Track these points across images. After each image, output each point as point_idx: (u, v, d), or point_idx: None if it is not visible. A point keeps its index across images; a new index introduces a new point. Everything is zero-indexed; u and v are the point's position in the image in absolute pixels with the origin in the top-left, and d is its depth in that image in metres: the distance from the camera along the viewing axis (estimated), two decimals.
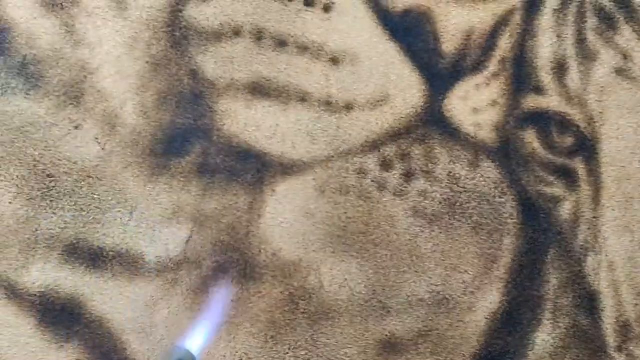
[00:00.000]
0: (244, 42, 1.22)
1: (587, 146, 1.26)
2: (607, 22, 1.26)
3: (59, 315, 1.19)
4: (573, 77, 1.25)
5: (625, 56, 1.26)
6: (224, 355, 1.20)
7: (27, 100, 1.21)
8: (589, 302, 1.24)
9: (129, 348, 1.19)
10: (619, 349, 1.24)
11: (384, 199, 1.23)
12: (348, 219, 1.22)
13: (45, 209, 1.20)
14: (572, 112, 1.26)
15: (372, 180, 1.23)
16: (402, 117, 1.23)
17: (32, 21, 1.20)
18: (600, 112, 1.26)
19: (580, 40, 1.26)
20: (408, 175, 1.23)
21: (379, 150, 1.23)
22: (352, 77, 1.23)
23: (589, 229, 1.25)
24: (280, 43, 1.22)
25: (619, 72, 1.26)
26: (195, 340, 0.90)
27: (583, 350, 1.23)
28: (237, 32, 1.22)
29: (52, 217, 1.20)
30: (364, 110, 1.23)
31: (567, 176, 1.25)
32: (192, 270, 1.21)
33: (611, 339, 1.24)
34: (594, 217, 1.25)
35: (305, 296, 1.22)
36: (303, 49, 1.22)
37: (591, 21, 1.26)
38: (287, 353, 1.21)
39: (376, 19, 1.24)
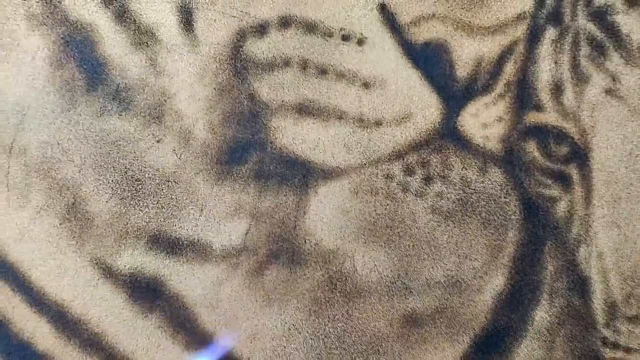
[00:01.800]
0: (292, 71, 1.46)
1: (580, 155, 1.45)
2: (598, 50, 1.45)
3: (144, 291, 1.46)
4: (568, 96, 1.45)
5: (614, 78, 1.45)
6: (276, 326, 1.44)
7: (120, 120, 1.48)
8: (581, 286, 1.43)
9: (200, 319, 1.45)
10: (607, 325, 1.43)
11: (407, 199, 1.45)
12: (377, 215, 1.45)
13: (134, 207, 1.47)
14: (567, 126, 1.45)
15: (397, 184, 1.45)
16: (422, 132, 1.45)
17: (124, 57, 1.47)
18: (592, 126, 1.45)
19: (575, 65, 1.45)
20: (427, 180, 1.45)
21: (403, 159, 1.45)
22: (381, 99, 1.46)
23: (581, 224, 1.44)
24: (322, 72, 1.46)
25: (609, 92, 1.44)
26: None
27: (576, 327, 1.43)
28: (286, 63, 1.46)
29: (139, 213, 1.47)
30: (391, 126, 1.46)
31: (563, 180, 1.45)
32: (250, 256, 1.46)
33: (600, 317, 1.43)
34: (586, 214, 1.44)
35: (342, 278, 1.45)
36: (340, 76, 1.46)
37: (584, 49, 1.46)
38: (327, 325, 1.45)
39: (401, 50, 1.46)
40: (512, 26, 1.44)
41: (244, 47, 1.45)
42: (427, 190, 1.43)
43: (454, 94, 1.44)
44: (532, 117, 1.44)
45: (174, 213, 1.44)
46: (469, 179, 1.43)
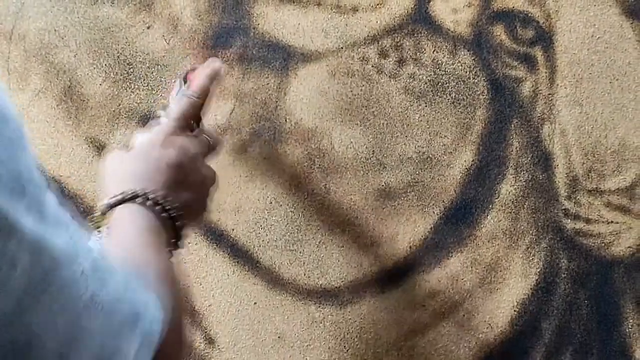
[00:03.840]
0: None
1: (545, 38, 1.53)
2: None
3: None
4: None
5: None
6: (259, 200, 1.54)
7: (112, 7, 1.57)
8: (544, 161, 1.51)
9: None
10: (569, 198, 1.51)
11: (382, 80, 1.54)
12: (353, 95, 1.54)
13: (125, 89, 1.56)
14: (533, 10, 1.52)
15: (372, 66, 1.54)
16: (396, 17, 1.54)
17: None
18: (556, 11, 1.52)
19: None
20: (401, 62, 1.53)
21: (378, 43, 1.53)
22: None
23: (545, 103, 1.52)
24: None
25: None
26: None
27: (539, 199, 1.52)
28: None
29: (131, 95, 1.56)
30: (367, 11, 1.54)
31: (529, 61, 1.52)
32: (234, 134, 1.55)
33: (562, 190, 1.51)
34: (549, 94, 1.52)
35: (320, 155, 1.54)
36: None
37: None
38: (306, 198, 1.54)
39: None
40: None
41: None
42: (401, 71, 1.51)
43: None
44: (500, 3, 1.51)
45: (163, 95, 1.54)
46: (439, 61, 1.51)
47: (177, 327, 0.78)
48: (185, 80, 1.00)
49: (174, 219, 0.85)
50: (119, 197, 0.84)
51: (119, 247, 0.79)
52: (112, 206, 0.84)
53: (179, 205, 0.87)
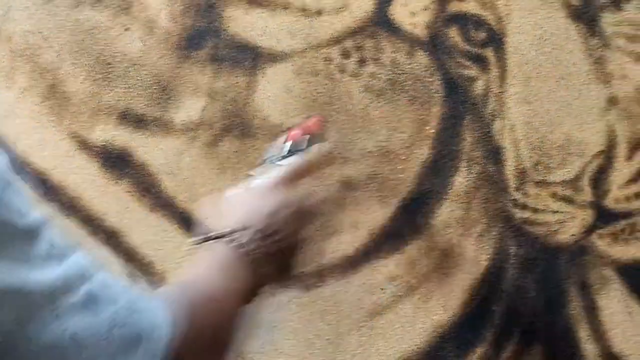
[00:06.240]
0: None
1: (496, 39, 1.60)
2: None
3: (115, 161, 1.63)
4: None
5: None
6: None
7: (93, 10, 1.67)
8: (495, 155, 1.57)
9: (163, 184, 1.62)
10: (518, 189, 1.59)
11: (344, 79, 1.62)
12: (317, 93, 1.61)
13: (105, 87, 1.66)
14: (485, 14, 1.60)
15: (335, 66, 1.62)
16: (358, 20, 1.61)
17: None
18: (507, 14, 1.60)
19: None
20: (362, 62, 1.62)
21: (341, 44, 1.61)
22: None
23: (496, 101, 1.60)
24: None
25: None
26: None
27: (490, 190, 1.60)
28: None
29: (110, 92, 1.65)
30: (330, 15, 1.62)
31: (481, 62, 1.59)
32: (206, 130, 1.64)
33: (512, 182, 1.59)
34: (500, 92, 1.60)
35: None
36: None
37: None
38: None
39: None
40: None
41: None
42: (362, 71, 1.60)
43: None
44: (454, 6, 1.59)
45: (140, 92, 1.63)
46: (398, 61, 1.60)
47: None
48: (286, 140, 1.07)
49: (255, 262, 0.88)
50: (212, 235, 0.89)
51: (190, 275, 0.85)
52: (205, 241, 0.91)
53: (263, 250, 0.90)
